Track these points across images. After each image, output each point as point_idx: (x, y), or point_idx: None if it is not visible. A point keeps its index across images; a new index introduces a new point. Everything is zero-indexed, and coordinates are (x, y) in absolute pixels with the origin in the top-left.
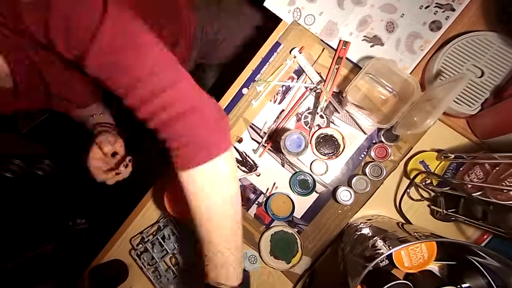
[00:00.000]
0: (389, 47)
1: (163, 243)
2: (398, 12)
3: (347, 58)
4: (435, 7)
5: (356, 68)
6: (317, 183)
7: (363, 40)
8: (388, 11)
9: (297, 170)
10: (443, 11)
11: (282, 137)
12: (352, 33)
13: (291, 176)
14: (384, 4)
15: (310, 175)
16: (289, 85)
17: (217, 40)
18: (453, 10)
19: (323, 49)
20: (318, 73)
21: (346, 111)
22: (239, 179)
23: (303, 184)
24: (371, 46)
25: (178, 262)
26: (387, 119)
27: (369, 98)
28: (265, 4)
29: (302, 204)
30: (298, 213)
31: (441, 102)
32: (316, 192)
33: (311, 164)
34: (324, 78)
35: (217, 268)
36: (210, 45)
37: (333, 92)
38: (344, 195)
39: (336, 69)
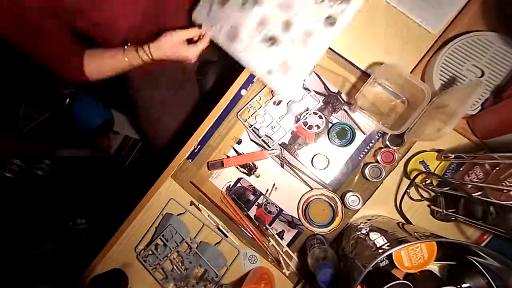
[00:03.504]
0: None
1: (166, 242)
2: None
3: (354, 65)
4: None
5: (364, 75)
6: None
7: None
8: None
9: (334, 122)
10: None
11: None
12: None
13: (328, 130)
14: None
15: (347, 124)
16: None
17: None
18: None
19: None
20: (318, 76)
21: (350, 116)
22: (239, 180)
23: (342, 135)
24: None
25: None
26: (396, 125)
27: (376, 105)
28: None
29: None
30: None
31: (457, 109)
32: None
33: (312, 159)
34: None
35: None
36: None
37: (342, 100)
38: (352, 200)
39: None
